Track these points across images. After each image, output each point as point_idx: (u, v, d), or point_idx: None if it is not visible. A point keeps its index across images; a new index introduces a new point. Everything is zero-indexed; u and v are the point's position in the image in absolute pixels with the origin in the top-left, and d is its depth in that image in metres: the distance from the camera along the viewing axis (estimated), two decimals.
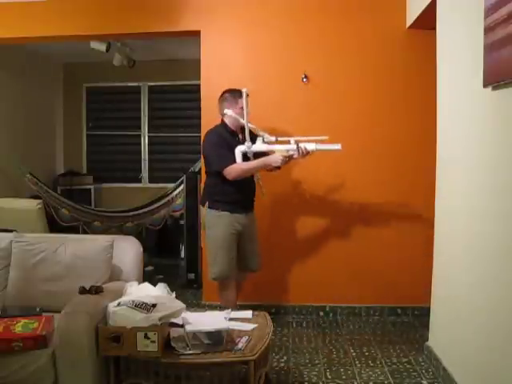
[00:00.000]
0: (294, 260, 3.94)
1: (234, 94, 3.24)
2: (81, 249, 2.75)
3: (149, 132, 6.57)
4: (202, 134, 3.52)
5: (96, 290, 2.43)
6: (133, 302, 2.19)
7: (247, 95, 3.07)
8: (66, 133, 6.66)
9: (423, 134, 3.64)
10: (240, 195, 3.24)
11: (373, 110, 3.84)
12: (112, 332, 2.15)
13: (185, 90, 6.25)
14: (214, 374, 2.18)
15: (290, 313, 3.95)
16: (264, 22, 3.87)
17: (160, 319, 2.15)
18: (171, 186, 5.08)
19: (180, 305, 2.34)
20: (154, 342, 2.11)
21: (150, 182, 6.57)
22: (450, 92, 2.83)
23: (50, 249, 2.72)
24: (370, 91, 3.83)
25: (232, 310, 2.64)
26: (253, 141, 3.15)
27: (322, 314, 3.93)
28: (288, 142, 3.11)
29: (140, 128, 6.57)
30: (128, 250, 2.90)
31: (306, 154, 3.06)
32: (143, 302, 2.18)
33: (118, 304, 2.21)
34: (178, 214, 5.04)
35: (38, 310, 2.47)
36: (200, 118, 3.91)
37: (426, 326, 3.20)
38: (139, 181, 6.59)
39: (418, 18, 3.48)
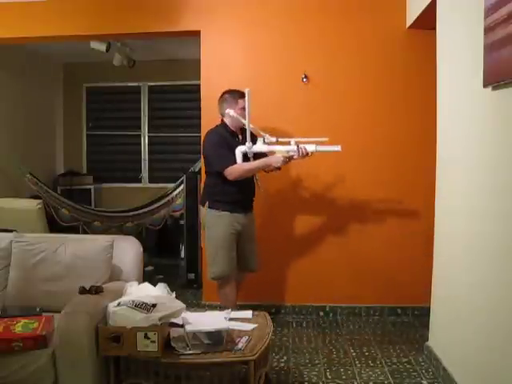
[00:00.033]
0: (294, 260, 3.94)
1: (233, 95, 3.25)
2: (81, 249, 2.75)
3: (149, 132, 6.57)
4: (202, 134, 3.52)
5: (96, 290, 2.43)
6: (133, 301, 2.19)
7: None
8: (65, 133, 6.66)
9: (423, 134, 3.64)
10: (240, 195, 3.25)
11: (373, 110, 3.84)
12: (112, 332, 2.15)
13: (185, 90, 6.25)
14: (213, 374, 2.18)
15: (290, 313, 3.95)
16: (264, 22, 3.87)
17: (160, 319, 2.15)
18: (171, 186, 5.08)
19: (180, 305, 2.34)
20: (154, 342, 2.11)
21: (150, 181, 6.57)
22: (450, 92, 2.83)
23: (49, 249, 2.72)
24: (370, 91, 3.83)
25: (232, 310, 2.64)
26: (252, 141, 3.16)
27: (321, 314, 3.93)
28: (288, 143, 3.14)
29: (140, 128, 6.57)
30: (128, 250, 2.90)
31: (306, 154, 3.08)
32: (143, 302, 2.18)
33: (118, 304, 2.21)
34: (178, 214, 5.04)
35: (38, 310, 2.47)
36: (200, 118, 3.91)
37: (426, 325, 3.20)
38: (139, 181, 6.59)
39: (418, 18, 3.48)
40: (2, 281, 2.71)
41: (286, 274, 3.96)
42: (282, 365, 3.03)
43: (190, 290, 4.57)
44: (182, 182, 4.83)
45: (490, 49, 2.11)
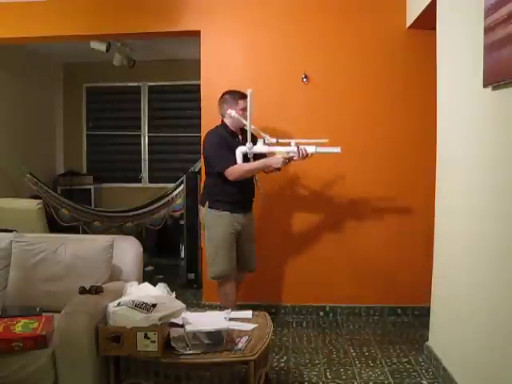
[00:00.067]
0: (294, 260, 3.94)
1: (233, 96, 3.26)
2: (81, 249, 2.75)
3: (149, 132, 6.57)
4: (202, 134, 3.52)
5: (96, 290, 2.43)
6: (133, 301, 2.19)
7: (247, 97, 3.09)
8: (66, 133, 6.66)
9: (423, 134, 3.64)
10: (240, 195, 3.26)
11: (373, 110, 3.84)
12: (112, 332, 2.15)
13: (185, 90, 6.24)
14: (214, 374, 2.18)
15: (290, 313, 3.95)
16: (264, 22, 3.87)
17: (160, 319, 2.15)
18: (171, 186, 5.08)
19: (180, 305, 2.34)
20: (154, 342, 2.11)
21: (150, 181, 6.57)
22: (450, 92, 2.83)
23: (49, 249, 2.72)
24: (370, 91, 3.83)
25: (232, 310, 2.64)
26: (252, 142, 3.17)
27: (322, 314, 3.93)
28: (289, 144, 3.15)
29: (140, 128, 6.57)
30: (128, 250, 2.90)
31: (306, 156, 3.10)
32: (143, 302, 2.18)
33: (118, 304, 2.21)
34: (178, 214, 5.04)
35: (38, 310, 2.47)
36: (200, 118, 3.91)
37: (426, 325, 3.20)
38: (139, 181, 6.58)
39: (418, 18, 3.48)
40: (2, 281, 2.71)
41: (286, 274, 3.96)
42: (282, 365, 3.03)
43: (190, 290, 4.57)
44: (181, 182, 4.83)
45: (490, 49, 2.11)
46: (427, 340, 3.15)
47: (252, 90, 3.01)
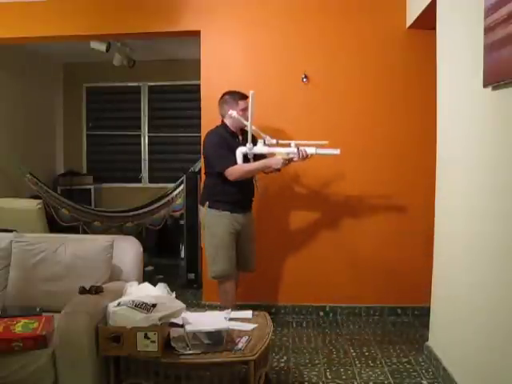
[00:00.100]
0: (294, 260, 3.94)
1: (234, 96, 3.27)
2: (81, 249, 2.75)
3: (149, 132, 6.57)
4: (202, 134, 3.53)
5: (96, 290, 2.43)
6: (133, 301, 2.19)
7: (247, 98, 3.10)
8: (66, 133, 6.66)
9: (423, 134, 3.64)
10: (240, 195, 3.27)
11: (373, 110, 3.84)
12: (112, 332, 2.15)
13: (185, 90, 6.24)
14: (214, 374, 2.18)
15: (290, 313, 3.95)
16: (264, 22, 3.87)
17: (160, 319, 2.15)
18: (171, 186, 5.08)
19: (180, 305, 2.34)
20: (154, 342, 2.11)
21: (150, 182, 6.57)
22: (450, 92, 2.83)
23: (49, 249, 2.72)
24: (369, 91, 3.83)
25: (232, 310, 2.64)
26: (252, 143, 3.19)
27: (322, 314, 3.93)
28: (289, 145, 3.17)
29: (140, 128, 6.57)
30: (128, 250, 2.90)
31: (306, 157, 3.12)
32: (143, 302, 2.18)
33: (118, 304, 2.21)
34: (178, 214, 5.04)
35: (38, 310, 2.47)
36: (200, 118, 3.91)
37: (426, 325, 3.20)
38: (139, 181, 6.59)
39: (418, 17, 3.48)
40: (2, 281, 2.71)
41: (287, 274, 3.96)
42: (282, 365, 3.03)
43: (190, 290, 4.57)
44: (182, 182, 4.83)
45: (490, 49, 2.11)
46: (427, 340, 3.15)
47: (254, 91, 3.02)
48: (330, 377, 2.86)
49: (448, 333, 2.80)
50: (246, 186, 3.30)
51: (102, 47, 4.98)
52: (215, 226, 3.24)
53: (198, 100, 3.97)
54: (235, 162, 3.16)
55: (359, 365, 3.02)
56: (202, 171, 3.47)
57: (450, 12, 2.81)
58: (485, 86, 2.19)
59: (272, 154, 3.22)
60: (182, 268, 4.83)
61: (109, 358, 2.23)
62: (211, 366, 2.17)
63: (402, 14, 3.75)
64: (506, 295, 2.06)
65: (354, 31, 3.82)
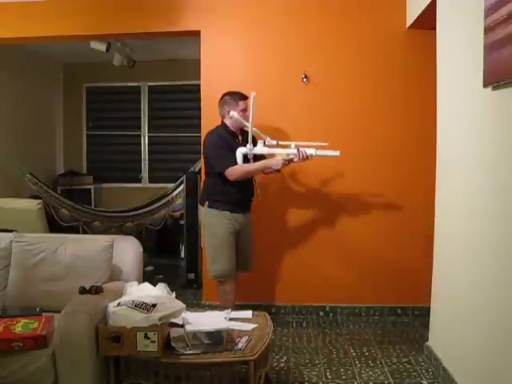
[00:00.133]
0: (295, 260, 3.94)
1: (234, 97, 3.27)
2: (81, 249, 2.75)
3: (149, 132, 6.57)
4: (202, 134, 3.53)
5: (96, 290, 2.43)
6: (133, 301, 2.19)
7: (247, 98, 3.10)
8: (66, 133, 6.66)
9: (423, 134, 3.64)
10: (240, 195, 3.27)
11: (373, 110, 3.84)
12: (112, 332, 2.15)
13: (185, 90, 6.24)
14: (214, 374, 2.18)
15: (290, 313, 3.95)
16: (264, 22, 3.87)
17: (160, 319, 2.15)
18: (171, 186, 5.08)
19: (180, 305, 2.34)
20: (154, 342, 2.11)
21: (150, 182, 6.57)
22: (450, 92, 2.83)
23: (49, 249, 2.72)
24: (370, 91, 3.83)
25: (232, 310, 2.64)
26: (252, 143, 3.19)
27: (322, 314, 3.93)
28: (289, 146, 3.18)
29: (140, 128, 6.57)
30: (128, 250, 2.90)
31: (306, 158, 3.13)
32: (143, 302, 2.18)
33: (118, 304, 2.21)
34: (178, 214, 5.04)
35: (38, 310, 2.47)
36: (200, 118, 3.91)
37: (426, 326, 3.20)
38: (139, 181, 6.59)
39: (418, 17, 3.48)
40: (2, 281, 2.71)
41: (287, 274, 3.95)
42: (282, 365, 3.03)
43: (190, 290, 4.57)
44: (181, 182, 4.83)
45: (490, 49, 2.11)
46: (427, 340, 3.15)
47: (255, 92, 3.03)
48: (329, 377, 2.86)
49: (448, 333, 2.80)
50: (245, 185, 3.30)
51: (102, 47, 4.98)
52: (215, 225, 3.24)
53: (198, 100, 3.97)
54: (235, 163, 3.17)
55: (359, 365, 3.02)
56: (202, 171, 3.48)
57: (450, 12, 2.81)
58: (485, 86, 2.19)
59: (272, 155, 3.22)
60: (182, 268, 4.83)
61: (109, 358, 2.23)
62: (211, 366, 2.17)
63: (402, 14, 3.75)
64: (506, 295, 2.06)
65: (354, 31, 3.82)
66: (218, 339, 2.19)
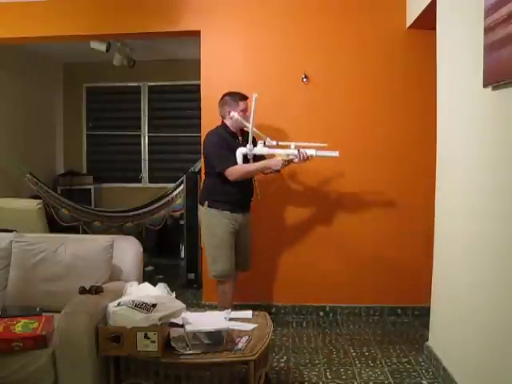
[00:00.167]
0: (295, 260, 3.94)
1: (234, 97, 3.28)
2: (81, 249, 2.75)
3: (149, 132, 6.57)
4: (202, 134, 3.53)
5: (96, 290, 2.43)
6: (133, 301, 2.19)
7: (247, 99, 3.11)
8: (66, 133, 6.66)
9: (423, 134, 3.64)
10: (240, 195, 3.28)
11: (373, 110, 3.84)
12: (112, 332, 2.15)
13: (185, 90, 6.24)
14: (214, 374, 2.18)
15: (290, 313, 3.95)
16: (264, 22, 3.87)
17: (160, 319, 2.15)
18: (171, 186, 5.08)
19: (180, 305, 2.34)
20: (154, 342, 2.11)
21: (150, 182, 6.57)
22: (450, 92, 2.83)
23: (49, 249, 2.72)
24: (370, 91, 3.83)
25: (232, 310, 2.65)
26: (252, 143, 3.20)
27: (322, 314, 3.92)
28: (289, 147, 3.18)
29: (140, 128, 6.57)
30: (128, 250, 2.90)
31: (306, 158, 3.15)
32: (143, 302, 2.18)
33: (118, 304, 2.21)
34: (178, 213, 5.04)
35: (38, 310, 2.47)
36: (200, 118, 3.91)
37: (426, 326, 3.20)
38: (139, 181, 6.59)
39: (418, 17, 3.48)
40: (2, 281, 2.71)
41: (287, 274, 3.95)
42: (282, 365, 3.03)
43: (190, 290, 4.57)
44: (181, 182, 4.83)
45: (490, 49, 2.11)
46: (427, 340, 3.15)
47: (257, 94, 3.03)
48: (329, 377, 2.86)
49: (448, 333, 2.80)
50: (245, 186, 3.31)
51: (102, 47, 4.98)
52: (215, 225, 3.25)
53: (198, 100, 3.97)
54: (235, 163, 3.18)
55: (359, 365, 3.02)
56: (202, 171, 3.48)
57: (450, 12, 2.81)
58: (485, 86, 2.19)
59: (272, 155, 3.23)
60: (182, 268, 4.83)
61: (109, 358, 2.23)
62: (211, 366, 2.17)
63: (402, 14, 3.75)
64: (506, 295, 2.06)
65: (354, 31, 3.82)
66: (217, 339, 2.19)
